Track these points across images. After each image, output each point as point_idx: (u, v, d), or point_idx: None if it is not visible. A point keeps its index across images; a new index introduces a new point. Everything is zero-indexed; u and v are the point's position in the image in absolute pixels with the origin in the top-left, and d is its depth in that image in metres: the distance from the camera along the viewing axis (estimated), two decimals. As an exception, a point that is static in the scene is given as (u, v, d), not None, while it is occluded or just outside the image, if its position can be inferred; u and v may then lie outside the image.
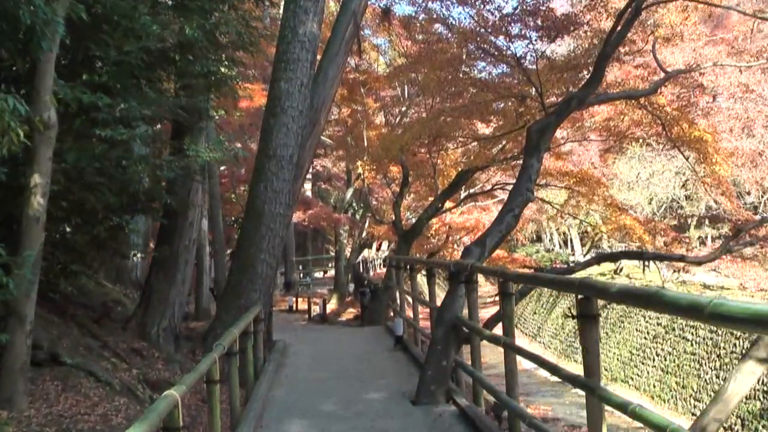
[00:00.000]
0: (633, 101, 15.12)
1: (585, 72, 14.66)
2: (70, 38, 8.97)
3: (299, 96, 14.08)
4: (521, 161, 20.92)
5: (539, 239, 61.52)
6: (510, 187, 24.16)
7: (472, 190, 26.10)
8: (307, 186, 43.01)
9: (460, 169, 22.10)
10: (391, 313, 19.10)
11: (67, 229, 11.48)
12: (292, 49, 14.09)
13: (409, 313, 15.40)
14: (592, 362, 5.22)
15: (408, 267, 16.45)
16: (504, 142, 20.18)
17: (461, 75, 17.08)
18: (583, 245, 52.53)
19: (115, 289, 18.87)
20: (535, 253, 48.40)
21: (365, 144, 26.19)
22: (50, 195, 9.30)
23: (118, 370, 10.90)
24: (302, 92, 14.13)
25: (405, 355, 13.54)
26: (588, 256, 49.24)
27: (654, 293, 4.04)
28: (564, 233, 57.64)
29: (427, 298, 12.88)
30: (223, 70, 12.23)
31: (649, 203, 37.08)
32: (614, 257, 17.23)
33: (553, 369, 6.02)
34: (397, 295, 16.83)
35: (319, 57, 15.79)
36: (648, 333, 26.31)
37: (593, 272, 42.95)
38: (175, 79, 11.08)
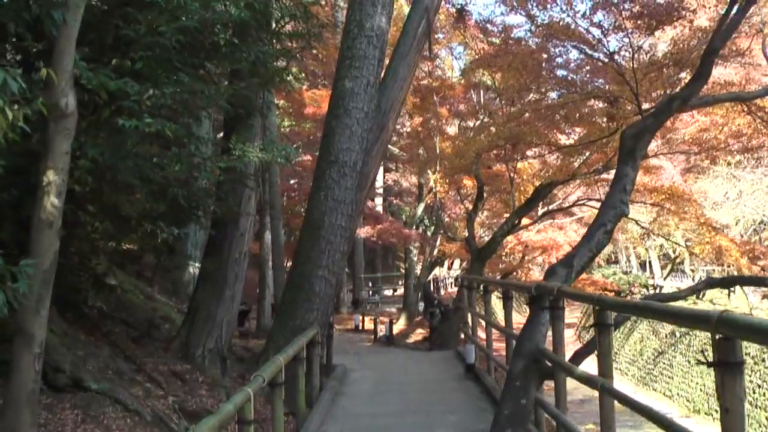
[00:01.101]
0: (737, 107, 13.60)
1: (686, 73, 13.16)
2: (96, 16, 7.84)
3: (365, 96, 12.81)
4: (606, 175, 19.58)
5: (615, 261, 59.73)
6: (593, 203, 22.88)
7: (550, 207, 24.60)
8: (378, 201, 42.26)
9: (538, 184, 20.76)
10: (462, 336, 17.76)
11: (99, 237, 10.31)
12: (358, 45, 12.86)
13: (481, 334, 14.11)
14: (736, 428, 3.75)
15: (481, 288, 15.06)
16: (587, 154, 18.71)
17: (544, 73, 15.61)
18: (662, 267, 50.60)
19: (168, 303, 17.79)
20: (612, 276, 46.36)
21: (438, 154, 24.81)
22: (76, 196, 8.17)
23: (152, 397, 9.65)
24: (368, 92, 12.86)
25: (477, 386, 12.17)
26: (668, 280, 47.30)
27: None
28: (640, 255, 55.85)
29: (501, 322, 11.47)
30: (276, 61, 11.02)
31: (737, 224, 35.17)
32: (728, 283, 14.77)
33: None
34: (469, 317, 15.51)
35: (386, 61, 14.54)
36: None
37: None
38: (218, 65, 9.80)
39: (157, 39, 7.89)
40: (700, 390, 25.35)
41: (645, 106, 13.61)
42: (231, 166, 9.93)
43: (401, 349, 22.20)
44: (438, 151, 24.98)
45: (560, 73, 15.91)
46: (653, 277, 48.78)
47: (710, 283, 11.83)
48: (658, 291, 44.71)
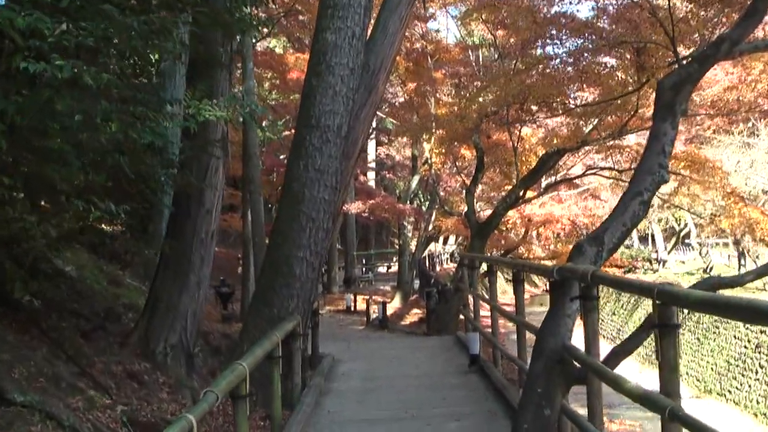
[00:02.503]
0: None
1: (724, 21, 11.56)
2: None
3: (350, 51, 11.00)
4: (620, 141, 18.00)
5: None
6: (605, 173, 21.40)
7: (554, 178, 23.05)
8: (371, 175, 41.35)
9: (542, 153, 19.26)
10: (462, 317, 16.33)
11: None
12: (341, -9, 11.13)
13: (484, 313, 12.74)
14: None
15: (485, 267, 13.52)
16: (597, 119, 17.13)
17: (561, 19, 13.99)
18: (665, 240, 49.39)
19: (139, 288, 16.10)
20: (611, 249, 45.18)
21: (433, 123, 23.19)
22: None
23: (96, 408, 7.99)
24: (354, 46, 11.05)
25: (482, 381, 10.71)
26: (672, 254, 45.98)
27: None
28: (640, 228, 54.64)
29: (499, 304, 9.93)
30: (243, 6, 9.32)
31: (749, 194, 33.97)
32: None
33: None
34: (471, 300, 14.01)
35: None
36: (749, 341, 23.21)
37: (671, 272, 40.00)
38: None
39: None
40: (711, 369, 24.08)
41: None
42: (185, 128, 8.24)
43: (396, 333, 21.07)
44: (433, 119, 23.41)
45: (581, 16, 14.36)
46: (656, 251, 47.71)
47: (781, 264, 10.11)
48: (662, 266, 43.41)
